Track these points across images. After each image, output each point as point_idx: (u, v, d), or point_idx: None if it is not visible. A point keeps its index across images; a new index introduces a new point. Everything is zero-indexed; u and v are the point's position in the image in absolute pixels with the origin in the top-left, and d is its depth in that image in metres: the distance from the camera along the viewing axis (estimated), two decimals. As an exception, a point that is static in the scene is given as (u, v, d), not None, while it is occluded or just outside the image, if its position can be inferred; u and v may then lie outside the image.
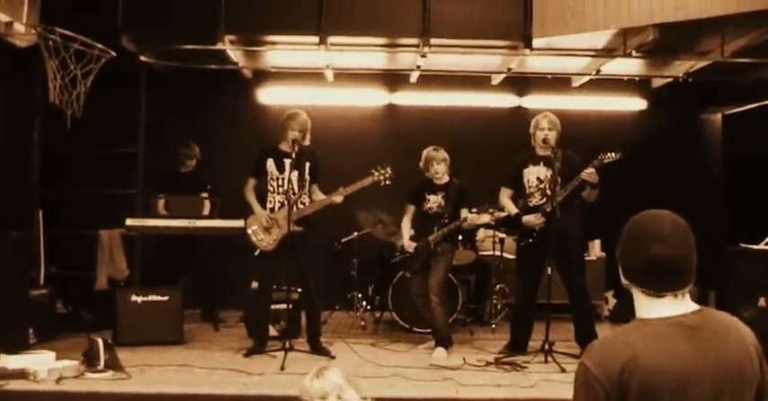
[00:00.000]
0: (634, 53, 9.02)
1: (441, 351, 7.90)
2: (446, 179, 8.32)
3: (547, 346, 7.49)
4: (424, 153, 8.31)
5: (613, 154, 7.37)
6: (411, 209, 8.50)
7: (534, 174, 7.92)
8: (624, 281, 2.57)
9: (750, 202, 10.13)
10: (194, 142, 10.01)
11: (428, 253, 8.16)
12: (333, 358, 7.62)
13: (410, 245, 8.33)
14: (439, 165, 8.20)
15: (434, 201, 8.27)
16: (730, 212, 10.78)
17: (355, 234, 9.83)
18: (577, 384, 2.42)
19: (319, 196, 7.87)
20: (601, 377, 2.33)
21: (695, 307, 2.48)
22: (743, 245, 6.94)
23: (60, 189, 9.59)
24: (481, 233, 10.04)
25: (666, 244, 2.43)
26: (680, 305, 2.46)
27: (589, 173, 7.44)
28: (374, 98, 11.35)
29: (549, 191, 7.72)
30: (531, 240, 7.79)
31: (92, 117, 7.76)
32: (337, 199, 7.69)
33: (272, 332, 8.26)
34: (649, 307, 2.49)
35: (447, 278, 8.32)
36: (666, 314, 2.44)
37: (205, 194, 9.69)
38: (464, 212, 8.14)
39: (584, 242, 7.82)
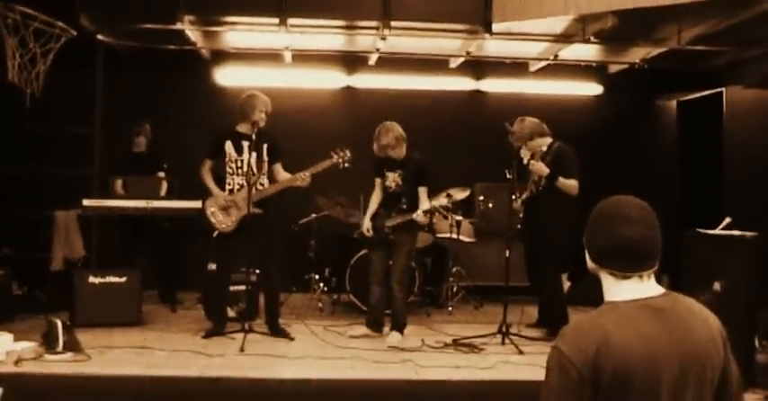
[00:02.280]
0: (592, 39, 9.11)
1: (396, 335, 7.87)
2: (402, 153, 8.02)
3: (504, 328, 7.61)
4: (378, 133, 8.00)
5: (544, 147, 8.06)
6: (378, 182, 8.24)
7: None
8: (591, 265, 2.64)
9: (704, 187, 10.29)
10: (146, 121, 9.90)
11: (384, 234, 8.07)
12: (292, 339, 7.64)
13: (367, 225, 8.12)
14: (394, 150, 7.94)
15: (392, 180, 8.05)
16: (685, 197, 10.94)
17: (313, 216, 9.81)
18: (551, 367, 2.46)
19: (283, 176, 7.84)
20: (575, 360, 2.38)
21: (662, 290, 2.55)
22: (699, 229, 7.04)
23: (16, 169, 9.50)
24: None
25: (634, 225, 2.50)
26: (646, 287, 2.53)
27: (531, 164, 7.98)
28: (332, 80, 11.34)
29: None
30: (519, 226, 8.08)
31: (48, 96, 7.68)
32: (302, 182, 7.66)
33: (231, 313, 8.26)
34: (617, 289, 2.55)
35: (409, 264, 8.20)
36: (634, 296, 2.51)
37: (162, 173, 9.63)
38: (423, 200, 8.02)
39: (560, 232, 7.86)
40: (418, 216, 7.85)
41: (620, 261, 2.53)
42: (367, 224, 8.16)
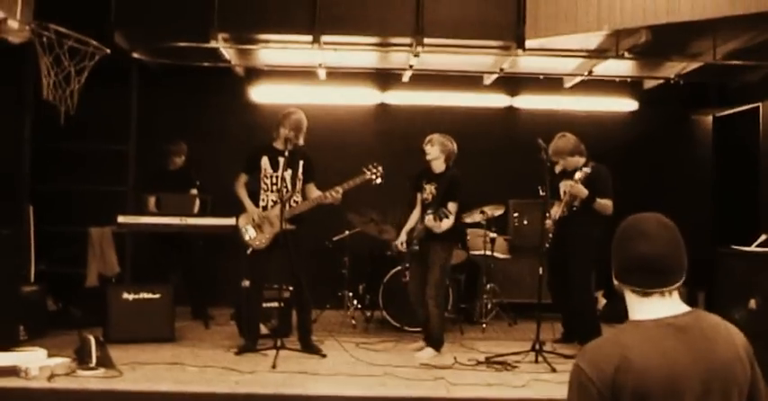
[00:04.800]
0: (626, 54, 9.06)
1: (429, 350, 7.87)
2: (442, 168, 8.10)
3: (537, 346, 7.54)
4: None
5: (586, 169, 7.83)
6: (419, 198, 8.29)
7: (563, 187, 8.16)
8: (615, 282, 2.63)
9: (740, 203, 10.17)
10: (182, 139, 9.97)
11: (416, 248, 8.06)
12: (324, 356, 7.62)
13: (402, 239, 8.23)
14: (427, 146, 8.08)
15: (429, 192, 8.10)
16: (720, 213, 10.83)
17: (346, 232, 9.80)
18: (571, 385, 2.46)
19: (316, 194, 7.80)
20: (594, 378, 2.37)
21: (686, 308, 2.53)
22: (734, 246, 6.97)
23: (51, 185, 9.59)
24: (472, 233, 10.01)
25: (652, 242, 2.50)
26: (670, 305, 2.51)
27: (569, 186, 7.91)
28: (366, 97, 11.34)
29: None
30: (547, 245, 8.03)
31: (83, 114, 7.74)
32: (333, 199, 7.64)
33: (263, 330, 8.25)
34: (640, 307, 2.54)
35: (443, 279, 8.04)
36: (658, 314, 2.49)
37: (194, 191, 9.68)
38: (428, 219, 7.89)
39: (592, 249, 7.81)
40: (428, 221, 7.79)
41: (639, 277, 2.53)
42: (402, 237, 8.24)
